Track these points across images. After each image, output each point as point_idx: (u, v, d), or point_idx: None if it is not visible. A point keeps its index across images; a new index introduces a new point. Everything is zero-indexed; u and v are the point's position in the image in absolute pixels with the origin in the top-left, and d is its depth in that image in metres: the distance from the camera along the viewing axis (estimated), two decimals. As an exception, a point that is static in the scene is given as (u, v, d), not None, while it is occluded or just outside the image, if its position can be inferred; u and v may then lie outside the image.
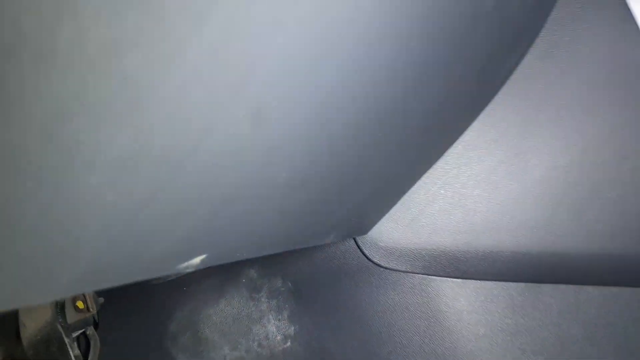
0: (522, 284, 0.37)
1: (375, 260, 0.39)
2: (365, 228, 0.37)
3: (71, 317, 0.42)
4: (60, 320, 0.39)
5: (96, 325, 0.49)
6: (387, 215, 0.37)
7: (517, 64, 0.34)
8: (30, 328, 0.37)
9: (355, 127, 0.23)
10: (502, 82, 0.34)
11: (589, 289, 0.36)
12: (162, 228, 0.14)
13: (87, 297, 0.45)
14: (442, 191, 0.36)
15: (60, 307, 0.40)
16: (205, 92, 0.11)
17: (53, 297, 0.14)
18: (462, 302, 0.38)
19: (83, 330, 0.46)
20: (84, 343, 0.48)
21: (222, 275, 0.47)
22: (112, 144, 0.10)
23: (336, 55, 0.16)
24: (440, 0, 0.21)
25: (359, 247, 0.39)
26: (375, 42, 0.18)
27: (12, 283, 0.13)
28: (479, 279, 0.37)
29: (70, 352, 0.39)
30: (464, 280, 0.38)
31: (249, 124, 0.13)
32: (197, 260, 0.21)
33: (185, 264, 0.20)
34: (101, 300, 0.47)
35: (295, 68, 0.15)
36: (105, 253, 0.13)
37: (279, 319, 0.45)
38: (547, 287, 0.37)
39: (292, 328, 0.45)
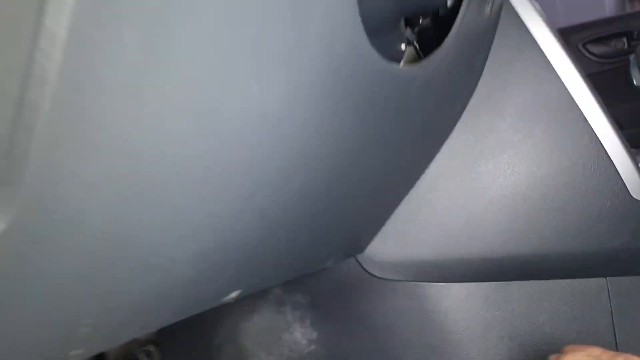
0: (494, 283, 0.45)
1: (373, 272, 0.48)
2: (361, 248, 0.46)
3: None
4: (133, 340, 0.50)
5: (156, 343, 0.60)
6: (377, 236, 0.46)
7: (463, 109, 0.42)
8: (114, 349, 0.49)
9: (333, 187, 0.32)
10: (455, 122, 0.43)
11: (549, 282, 0.43)
12: (211, 281, 0.25)
13: (150, 322, 0.56)
14: (419, 213, 0.45)
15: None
16: (222, 212, 0.21)
17: (147, 331, 0.25)
18: (446, 302, 0.46)
19: (147, 347, 0.58)
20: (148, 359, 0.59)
21: (253, 294, 0.57)
22: (182, 251, 0.20)
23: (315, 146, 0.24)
24: (376, 91, 0.29)
25: (359, 263, 0.48)
26: (337, 132, 0.27)
27: (120, 331, 0.23)
28: (458, 281, 0.45)
29: (144, 365, 0.50)
30: (446, 284, 0.46)
31: (257, 225, 0.23)
32: (234, 294, 0.31)
33: (226, 297, 0.31)
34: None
35: (285, 169, 0.24)
36: (177, 302, 0.24)
37: (303, 327, 0.54)
38: (515, 284, 0.44)
39: (315, 334, 0.54)
